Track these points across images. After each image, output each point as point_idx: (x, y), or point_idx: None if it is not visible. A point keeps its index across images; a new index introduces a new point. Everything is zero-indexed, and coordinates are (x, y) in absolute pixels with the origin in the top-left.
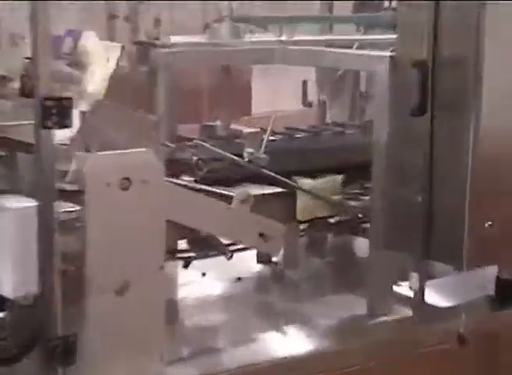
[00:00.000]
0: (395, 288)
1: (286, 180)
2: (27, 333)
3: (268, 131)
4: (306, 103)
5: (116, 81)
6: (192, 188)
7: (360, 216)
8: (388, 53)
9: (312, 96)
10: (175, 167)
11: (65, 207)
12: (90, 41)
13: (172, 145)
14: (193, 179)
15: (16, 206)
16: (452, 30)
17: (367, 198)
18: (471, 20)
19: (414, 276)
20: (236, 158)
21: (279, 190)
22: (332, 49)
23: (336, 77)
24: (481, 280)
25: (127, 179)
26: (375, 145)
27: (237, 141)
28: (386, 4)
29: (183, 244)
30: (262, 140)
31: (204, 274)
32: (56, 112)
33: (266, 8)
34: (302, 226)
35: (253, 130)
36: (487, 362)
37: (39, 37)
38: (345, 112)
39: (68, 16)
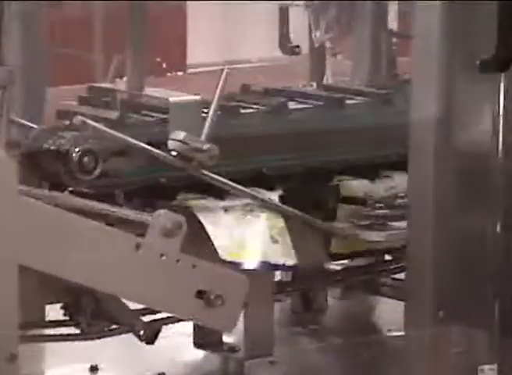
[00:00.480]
0: None
1: (248, 191)
2: None
3: (216, 99)
4: (287, 48)
5: None
6: (72, 208)
7: (388, 258)
8: None
9: (299, 37)
10: (42, 167)
11: None
12: None
13: (39, 127)
14: (72, 189)
15: None
16: None
17: (399, 224)
18: None
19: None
20: (154, 149)
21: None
22: None
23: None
24: None
25: None
26: (413, 126)
27: (158, 117)
28: None
29: (58, 310)
30: (204, 116)
31: (94, 369)
32: None
33: None
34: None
35: (187, 97)
36: None
37: None
38: (361, 66)
39: None
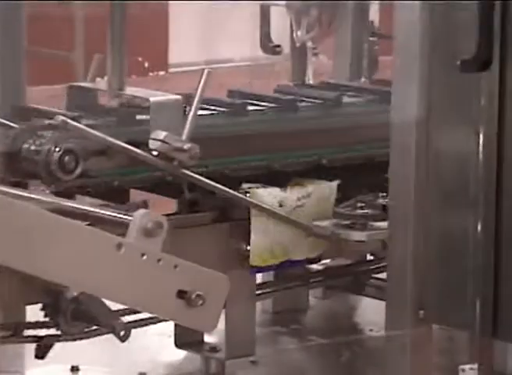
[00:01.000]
0: None
1: (231, 191)
2: None
3: (197, 98)
4: (268, 48)
5: None
6: (52, 208)
7: (370, 257)
8: None
9: (280, 37)
10: (19, 167)
11: None
12: None
13: (16, 126)
14: (51, 188)
15: None
16: None
17: (381, 224)
18: None
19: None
20: (135, 149)
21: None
22: None
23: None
24: None
25: None
26: (393, 125)
27: (138, 117)
28: None
29: (37, 311)
30: (186, 115)
31: (75, 370)
32: None
33: None
34: (261, 278)
35: (168, 96)
36: None
37: None
38: (341, 65)
39: None
